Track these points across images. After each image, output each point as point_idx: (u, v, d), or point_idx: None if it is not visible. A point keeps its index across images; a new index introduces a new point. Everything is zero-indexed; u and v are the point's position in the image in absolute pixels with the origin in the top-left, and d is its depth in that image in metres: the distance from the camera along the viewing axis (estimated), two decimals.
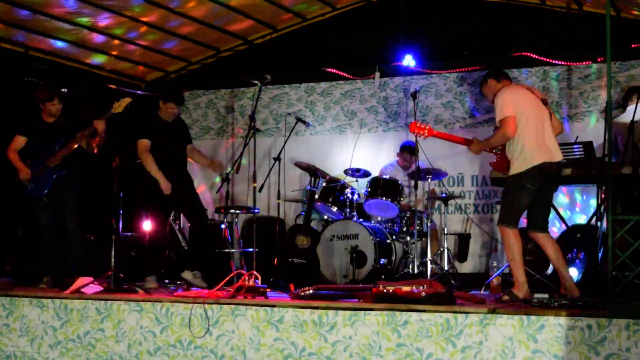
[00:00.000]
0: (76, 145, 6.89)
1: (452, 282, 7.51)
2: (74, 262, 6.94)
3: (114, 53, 9.29)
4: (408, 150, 8.46)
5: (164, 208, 7.62)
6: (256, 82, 6.74)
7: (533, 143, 5.65)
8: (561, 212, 8.03)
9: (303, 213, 7.88)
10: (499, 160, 6.00)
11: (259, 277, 5.87)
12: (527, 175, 5.62)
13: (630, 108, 6.83)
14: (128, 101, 6.88)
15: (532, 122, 5.69)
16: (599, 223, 6.57)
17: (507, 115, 5.64)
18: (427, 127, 6.07)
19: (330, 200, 8.01)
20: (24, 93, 8.23)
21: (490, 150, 6.04)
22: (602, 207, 6.41)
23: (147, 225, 9.54)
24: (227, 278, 5.83)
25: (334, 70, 9.53)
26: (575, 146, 6.97)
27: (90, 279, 6.28)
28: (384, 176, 8.05)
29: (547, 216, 5.94)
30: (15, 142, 7.02)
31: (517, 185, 5.66)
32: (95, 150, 7.00)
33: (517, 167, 5.67)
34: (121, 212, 6.99)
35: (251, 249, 7.07)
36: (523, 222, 6.56)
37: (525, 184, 5.62)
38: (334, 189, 8.04)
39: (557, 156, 5.79)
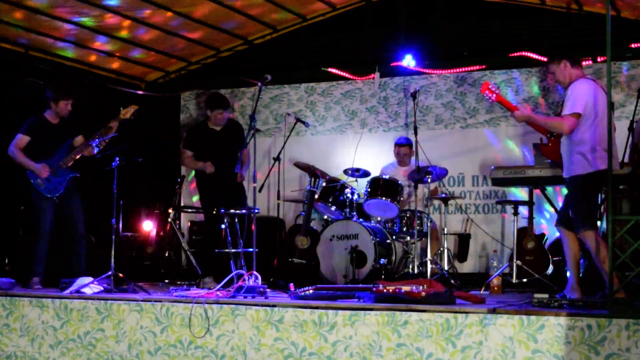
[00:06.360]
0: (89, 148, 6.85)
1: (452, 282, 7.51)
2: (80, 266, 6.91)
3: (114, 53, 9.29)
4: (404, 143, 8.49)
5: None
6: (256, 82, 6.73)
7: (602, 148, 5.45)
8: None
9: (303, 213, 7.88)
10: (551, 146, 5.87)
11: (259, 277, 5.87)
12: (591, 178, 5.49)
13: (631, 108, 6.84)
14: (135, 108, 6.89)
15: (602, 126, 5.45)
16: (599, 223, 6.58)
17: (576, 111, 5.46)
18: (497, 92, 5.87)
19: (330, 200, 8.00)
20: (23, 93, 8.24)
21: (543, 132, 5.90)
22: (602, 207, 6.42)
23: (147, 225, 9.52)
24: (227, 278, 5.83)
25: (334, 70, 9.53)
26: None
27: (90, 278, 6.28)
28: (384, 176, 8.04)
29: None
30: (19, 141, 6.98)
31: (585, 186, 5.53)
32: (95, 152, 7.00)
33: (583, 168, 5.51)
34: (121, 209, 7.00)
35: (251, 249, 7.07)
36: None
37: (592, 182, 5.50)
38: (334, 189, 8.03)
39: (617, 164, 5.65)
